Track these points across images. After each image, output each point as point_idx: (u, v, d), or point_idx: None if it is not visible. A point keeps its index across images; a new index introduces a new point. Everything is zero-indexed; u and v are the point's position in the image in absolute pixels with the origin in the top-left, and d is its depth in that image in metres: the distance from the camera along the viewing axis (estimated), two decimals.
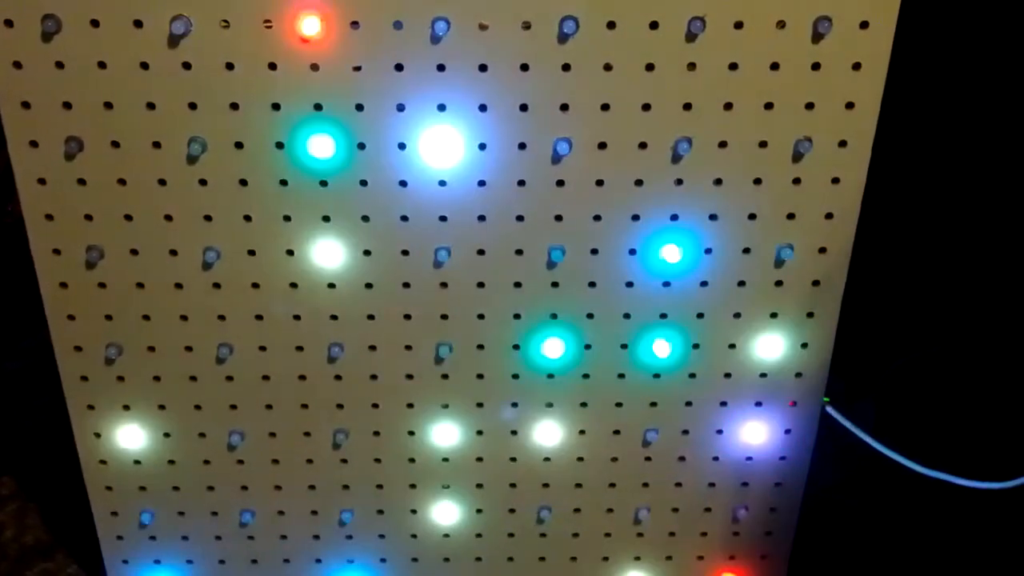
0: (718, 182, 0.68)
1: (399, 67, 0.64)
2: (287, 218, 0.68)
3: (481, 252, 0.70)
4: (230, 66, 0.63)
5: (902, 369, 1.03)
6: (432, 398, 0.76)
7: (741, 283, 0.71)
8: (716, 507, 0.80)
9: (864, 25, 0.63)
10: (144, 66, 0.63)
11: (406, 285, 0.71)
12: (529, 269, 0.70)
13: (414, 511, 0.81)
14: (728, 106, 0.65)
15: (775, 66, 0.64)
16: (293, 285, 0.71)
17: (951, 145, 0.99)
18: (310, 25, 0.62)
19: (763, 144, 0.66)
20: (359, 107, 0.65)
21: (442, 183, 0.67)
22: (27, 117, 0.65)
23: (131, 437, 0.76)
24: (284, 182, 0.67)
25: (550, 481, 0.79)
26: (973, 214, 1.01)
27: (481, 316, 0.72)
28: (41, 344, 0.79)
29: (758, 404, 0.76)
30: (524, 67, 0.64)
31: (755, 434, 0.77)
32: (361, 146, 0.66)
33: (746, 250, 0.70)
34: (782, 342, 0.73)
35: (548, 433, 0.77)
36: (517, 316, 0.72)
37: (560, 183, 0.67)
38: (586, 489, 0.79)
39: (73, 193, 0.67)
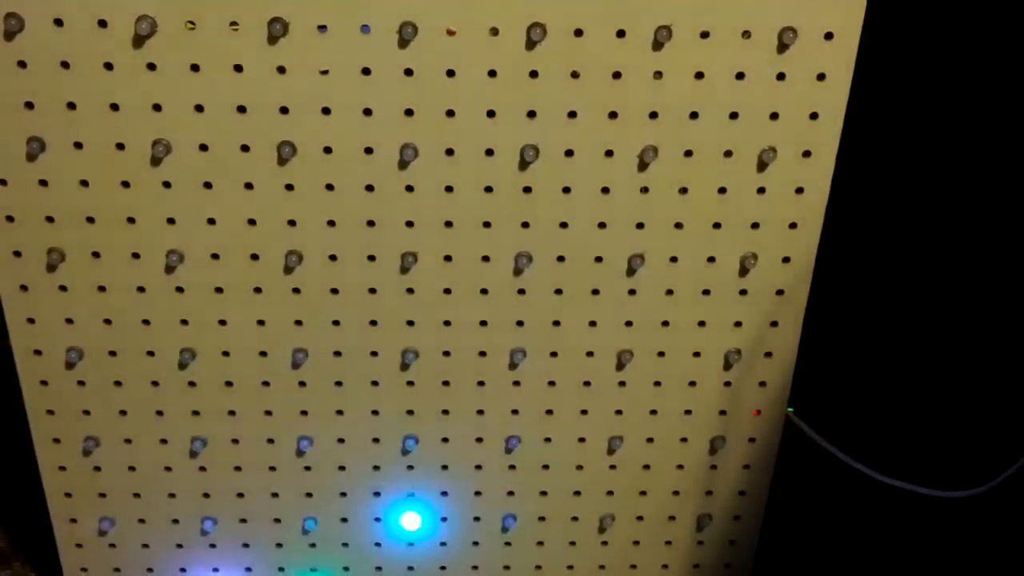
0: (683, 191, 0.68)
1: (366, 70, 0.64)
2: (251, 221, 0.68)
3: (448, 258, 0.70)
4: (195, 68, 0.63)
5: (865, 377, 1.04)
6: (397, 405, 0.75)
7: (706, 291, 0.71)
8: (680, 515, 0.81)
9: (829, 36, 0.64)
10: (108, 66, 0.63)
11: (372, 291, 0.71)
12: (496, 275, 0.70)
13: (378, 519, 0.80)
14: (694, 115, 0.66)
15: (740, 76, 0.64)
16: (257, 290, 0.70)
17: (916, 154, 1.01)
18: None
19: (728, 154, 0.67)
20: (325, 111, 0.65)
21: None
22: None
23: (91, 443, 0.75)
24: (249, 185, 0.67)
25: (515, 489, 0.79)
26: (938, 220, 1.02)
27: (447, 323, 0.72)
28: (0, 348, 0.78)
29: (722, 413, 0.76)
30: (492, 73, 0.64)
31: (723, 443, 0.77)
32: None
33: (711, 259, 0.70)
34: (744, 350, 0.74)
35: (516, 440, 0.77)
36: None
37: (527, 190, 0.68)
38: (551, 497, 0.79)
39: (35, 194, 0.67)
